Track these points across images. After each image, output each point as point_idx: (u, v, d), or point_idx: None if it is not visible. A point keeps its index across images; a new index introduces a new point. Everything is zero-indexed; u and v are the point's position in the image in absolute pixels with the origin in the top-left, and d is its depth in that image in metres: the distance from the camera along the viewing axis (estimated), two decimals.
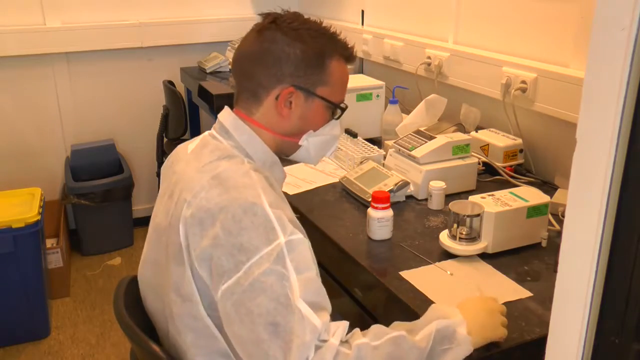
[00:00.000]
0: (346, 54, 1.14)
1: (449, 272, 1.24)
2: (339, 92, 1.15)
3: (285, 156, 1.18)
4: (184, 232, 0.98)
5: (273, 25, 1.09)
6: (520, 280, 1.22)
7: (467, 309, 1.01)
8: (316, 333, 0.88)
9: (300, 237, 0.95)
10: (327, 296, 0.95)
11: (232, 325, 0.92)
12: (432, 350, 0.94)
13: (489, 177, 1.75)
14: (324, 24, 1.13)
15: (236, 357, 0.98)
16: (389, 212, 1.37)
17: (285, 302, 0.88)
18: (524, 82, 1.76)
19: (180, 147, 1.20)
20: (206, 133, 1.15)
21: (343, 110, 1.17)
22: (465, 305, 1.03)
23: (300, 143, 1.15)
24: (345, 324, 0.93)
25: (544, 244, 1.35)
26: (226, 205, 0.95)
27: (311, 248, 0.99)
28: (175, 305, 1.01)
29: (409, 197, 1.61)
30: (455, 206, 1.29)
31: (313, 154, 1.18)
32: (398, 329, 0.95)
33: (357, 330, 0.94)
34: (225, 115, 1.14)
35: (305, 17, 1.14)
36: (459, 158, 1.64)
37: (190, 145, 1.15)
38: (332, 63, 1.11)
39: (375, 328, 0.95)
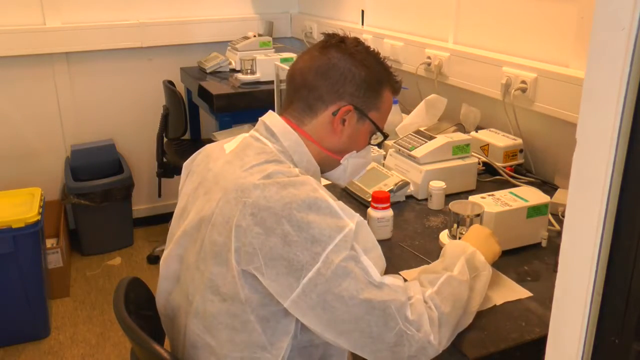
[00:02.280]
0: (396, 86, 1.21)
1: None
2: (384, 119, 1.21)
3: (321, 172, 1.20)
4: (238, 232, 0.97)
5: (342, 44, 1.14)
6: (520, 280, 1.22)
7: (472, 240, 1.15)
8: (406, 293, 0.98)
9: (362, 220, 1.00)
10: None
11: (322, 313, 0.94)
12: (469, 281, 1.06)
13: (489, 177, 1.75)
14: (380, 55, 1.19)
15: (276, 350, 1.00)
16: (389, 212, 1.37)
17: (369, 281, 0.95)
18: (524, 82, 1.76)
19: (212, 147, 1.20)
20: (245, 135, 1.16)
21: (386, 137, 1.22)
22: (469, 239, 1.16)
23: (341, 161, 1.19)
24: (415, 281, 1.04)
25: (544, 244, 1.35)
26: (288, 202, 0.96)
27: None
28: (210, 303, 1.01)
29: (409, 197, 1.61)
30: (455, 206, 1.29)
31: (348, 174, 1.23)
32: (440, 272, 1.05)
33: (415, 282, 1.04)
34: (273, 119, 1.14)
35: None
36: (459, 158, 1.64)
37: (226, 145, 1.15)
38: (385, 92, 1.18)
39: (425, 277, 1.05)
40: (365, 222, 1.01)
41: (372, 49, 1.18)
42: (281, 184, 0.98)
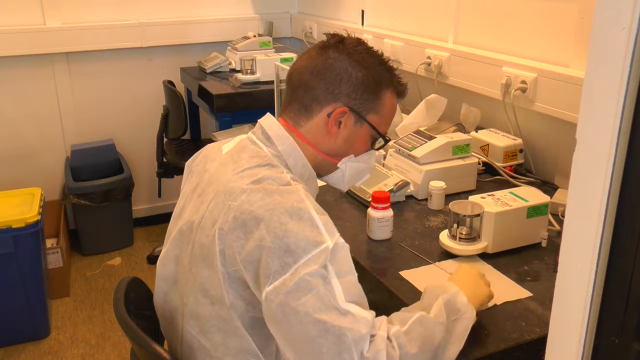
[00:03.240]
0: (400, 89, 1.16)
1: (449, 272, 1.24)
2: (386, 123, 1.17)
3: (319, 176, 1.18)
4: (221, 235, 0.97)
5: (340, 45, 1.11)
6: (520, 280, 1.22)
7: (458, 280, 1.06)
8: (369, 327, 0.90)
9: (343, 242, 0.96)
10: (365, 298, 0.96)
11: (280, 326, 0.92)
12: (447, 322, 0.97)
13: (489, 177, 1.75)
14: (384, 56, 1.15)
15: (267, 356, 1.00)
16: (389, 212, 1.37)
17: (331, 303, 0.89)
18: (524, 82, 1.76)
19: (211, 147, 1.19)
20: (243, 136, 1.15)
21: (387, 142, 1.18)
22: (454, 278, 1.08)
23: (338, 165, 1.16)
24: (382, 317, 0.95)
25: (544, 244, 1.35)
26: (271, 208, 0.94)
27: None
28: (202, 306, 1.01)
29: (409, 197, 1.61)
30: (455, 206, 1.29)
31: (347, 179, 1.19)
32: (414, 311, 0.97)
33: (383, 318, 0.96)
34: (269, 122, 1.13)
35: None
36: (459, 158, 1.64)
37: (224, 146, 1.14)
38: (386, 94, 1.13)
39: (396, 316, 0.98)
40: (347, 246, 0.96)
41: (374, 50, 1.15)
42: (268, 191, 0.97)
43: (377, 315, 0.94)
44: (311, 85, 1.10)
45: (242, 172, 1.02)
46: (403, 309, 1.02)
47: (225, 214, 0.97)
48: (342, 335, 0.87)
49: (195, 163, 1.20)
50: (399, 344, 0.91)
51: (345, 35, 1.15)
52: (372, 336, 0.90)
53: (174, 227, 1.14)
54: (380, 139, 1.17)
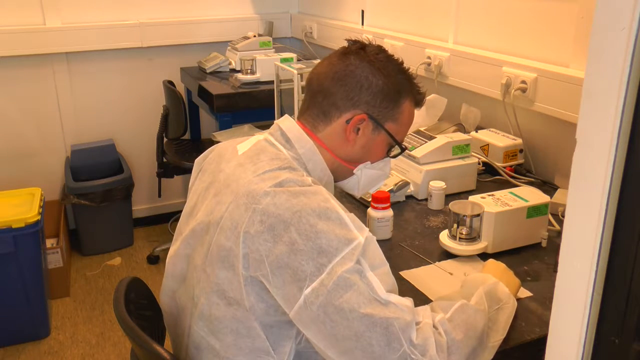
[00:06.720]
0: (419, 97, 1.16)
1: (449, 273, 1.24)
2: (403, 131, 1.17)
3: (334, 181, 1.18)
4: (246, 238, 0.95)
5: (362, 52, 1.11)
6: (520, 280, 1.21)
7: (493, 272, 1.10)
8: (412, 313, 0.92)
9: (371, 235, 0.97)
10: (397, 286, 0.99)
11: (322, 327, 0.91)
12: (489, 312, 1.00)
13: (489, 177, 1.75)
14: (404, 64, 1.16)
15: (279, 354, 1.00)
16: (389, 212, 1.37)
17: (372, 296, 0.90)
18: (524, 82, 1.76)
19: (224, 146, 1.18)
20: (260, 137, 1.14)
21: (403, 150, 1.18)
22: (489, 270, 1.12)
23: (354, 171, 1.17)
24: (425, 306, 0.99)
25: (544, 244, 1.35)
26: (298, 210, 0.94)
27: None
28: (216, 307, 1.01)
29: (409, 197, 1.61)
30: (455, 206, 1.29)
31: (362, 185, 1.20)
32: (455, 299, 1.00)
33: (426, 306, 0.99)
34: (289, 124, 1.13)
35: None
36: (459, 158, 1.64)
37: (239, 146, 1.13)
38: (405, 103, 1.13)
39: (438, 304, 1.00)
40: (374, 237, 0.98)
41: (395, 58, 1.14)
42: (292, 193, 0.96)
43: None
44: (331, 91, 1.10)
45: (263, 175, 1.01)
46: (443, 296, 1.04)
47: (250, 217, 0.96)
48: (390, 326, 0.89)
49: (207, 161, 1.19)
50: (445, 331, 0.93)
51: (367, 42, 1.14)
52: (417, 323, 0.93)
53: (185, 225, 1.13)
54: (397, 147, 1.17)
